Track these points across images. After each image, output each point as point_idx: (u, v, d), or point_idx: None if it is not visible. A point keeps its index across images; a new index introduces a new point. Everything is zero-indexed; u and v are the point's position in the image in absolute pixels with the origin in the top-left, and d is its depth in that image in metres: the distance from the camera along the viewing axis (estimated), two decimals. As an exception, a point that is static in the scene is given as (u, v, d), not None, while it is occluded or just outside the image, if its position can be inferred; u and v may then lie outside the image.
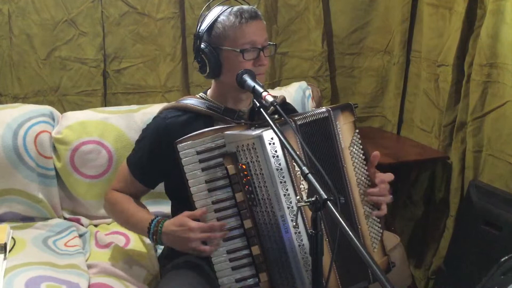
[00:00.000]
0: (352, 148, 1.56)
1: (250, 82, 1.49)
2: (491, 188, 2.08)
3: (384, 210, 1.59)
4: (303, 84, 2.46)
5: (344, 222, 1.04)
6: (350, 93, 2.83)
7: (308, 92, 2.41)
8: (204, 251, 1.47)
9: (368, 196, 1.56)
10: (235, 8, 1.59)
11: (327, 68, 2.70)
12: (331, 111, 1.53)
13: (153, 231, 1.55)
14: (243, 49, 1.56)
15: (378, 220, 1.60)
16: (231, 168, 1.47)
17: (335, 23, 2.72)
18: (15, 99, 2.35)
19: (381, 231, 1.60)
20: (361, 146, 1.58)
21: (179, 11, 2.46)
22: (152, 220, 1.56)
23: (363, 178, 1.57)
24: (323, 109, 1.54)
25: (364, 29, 2.73)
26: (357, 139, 1.58)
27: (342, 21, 2.72)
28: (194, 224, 1.47)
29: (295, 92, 2.39)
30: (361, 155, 1.58)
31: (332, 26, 2.72)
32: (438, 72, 2.38)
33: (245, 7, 1.61)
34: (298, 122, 1.49)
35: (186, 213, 1.51)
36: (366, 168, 1.58)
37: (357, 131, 1.58)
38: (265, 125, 1.43)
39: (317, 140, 1.51)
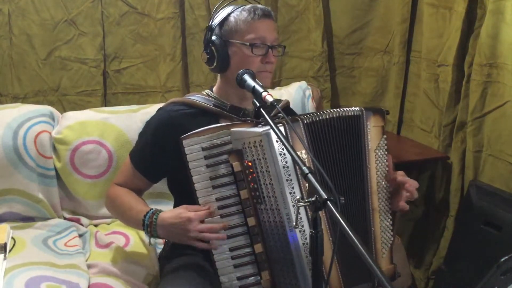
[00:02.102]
0: (378, 151, 1.56)
1: (250, 82, 1.49)
2: (491, 188, 2.08)
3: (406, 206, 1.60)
4: (303, 84, 2.46)
5: (344, 222, 1.04)
6: (350, 93, 2.83)
7: (308, 92, 2.41)
8: (203, 244, 1.47)
9: (399, 177, 1.57)
10: (249, 6, 1.63)
11: (327, 68, 2.70)
12: (363, 111, 1.55)
13: (148, 223, 1.54)
14: (252, 43, 1.58)
15: (391, 228, 1.59)
16: (236, 165, 1.47)
17: (335, 23, 2.72)
18: (15, 99, 2.35)
19: (392, 238, 1.59)
20: (386, 152, 1.58)
21: (179, 11, 2.46)
22: (147, 212, 1.55)
23: (383, 183, 1.57)
24: (357, 108, 1.55)
25: (364, 29, 2.73)
26: (384, 144, 1.58)
27: (342, 21, 2.72)
28: (192, 214, 1.47)
29: (295, 92, 2.39)
30: (385, 160, 1.58)
31: (332, 26, 2.72)
32: (438, 72, 2.38)
33: (260, 6, 1.64)
34: (330, 116, 1.50)
35: (184, 206, 1.51)
36: (387, 174, 1.58)
37: (385, 136, 1.58)
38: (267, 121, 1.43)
39: (346, 137, 1.52)
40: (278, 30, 1.68)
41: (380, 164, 1.57)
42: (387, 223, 1.59)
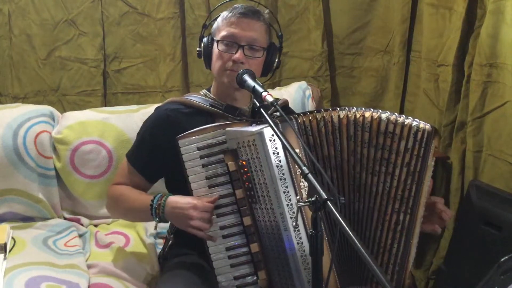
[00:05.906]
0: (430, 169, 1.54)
1: (250, 82, 1.49)
2: (491, 188, 2.07)
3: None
4: (303, 84, 2.46)
5: (345, 223, 1.04)
6: (350, 93, 2.82)
7: (308, 92, 2.41)
8: (205, 229, 1.47)
9: (438, 204, 1.57)
10: (238, 4, 1.64)
11: (327, 68, 2.70)
12: (433, 129, 1.51)
13: (156, 206, 1.54)
14: (219, 39, 1.61)
15: (416, 245, 1.57)
16: (231, 165, 1.47)
17: (335, 23, 2.72)
18: (15, 99, 2.36)
19: (415, 255, 1.56)
20: (432, 173, 1.56)
21: (179, 11, 2.46)
22: (155, 196, 1.56)
23: (425, 200, 1.54)
24: (428, 124, 1.51)
25: (364, 29, 2.73)
26: (432, 165, 1.55)
27: (342, 21, 2.72)
28: (198, 202, 1.46)
29: (295, 92, 2.39)
30: (429, 181, 1.55)
31: (332, 26, 2.72)
32: (438, 72, 2.38)
33: (249, 6, 1.65)
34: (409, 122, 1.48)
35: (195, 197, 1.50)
36: (427, 194, 1.56)
37: (435, 158, 1.55)
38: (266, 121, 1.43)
39: (415, 148, 1.49)
40: (265, 31, 1.64)
41: (428, 181, 1.53)
42: (417, 240, 1.55)
